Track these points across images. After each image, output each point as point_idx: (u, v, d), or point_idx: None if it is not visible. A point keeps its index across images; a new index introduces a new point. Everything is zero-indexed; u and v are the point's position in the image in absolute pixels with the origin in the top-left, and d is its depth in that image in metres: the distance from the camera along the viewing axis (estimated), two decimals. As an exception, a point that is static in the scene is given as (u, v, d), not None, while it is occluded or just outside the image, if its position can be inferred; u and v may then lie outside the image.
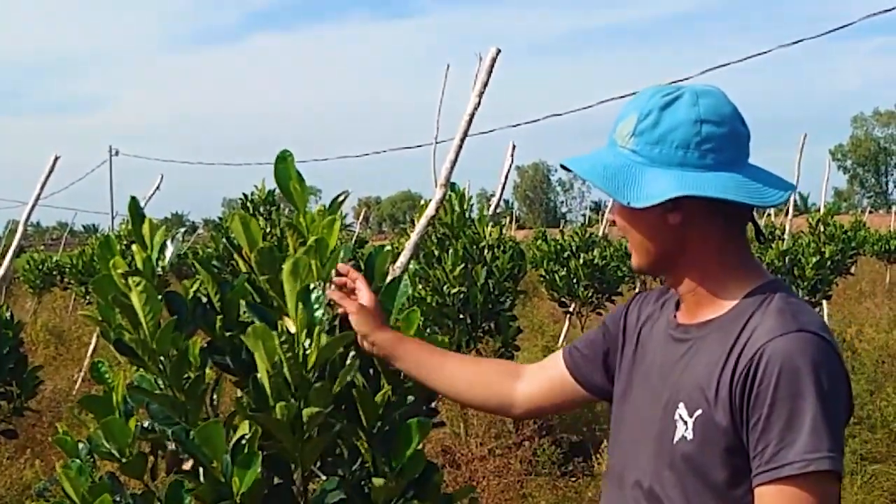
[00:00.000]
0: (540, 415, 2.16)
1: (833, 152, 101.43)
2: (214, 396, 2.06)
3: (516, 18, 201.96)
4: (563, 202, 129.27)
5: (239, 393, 2.02)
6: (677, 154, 1.65)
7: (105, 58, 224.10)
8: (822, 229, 12.14)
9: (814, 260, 10.80)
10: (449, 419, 7.02)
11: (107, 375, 2.05)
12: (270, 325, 1.92)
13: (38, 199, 6.42)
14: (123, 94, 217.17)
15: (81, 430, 2.26)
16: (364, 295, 2.03)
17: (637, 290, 14.11)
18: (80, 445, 2.04)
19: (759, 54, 8.07)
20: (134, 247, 2.02)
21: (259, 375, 1.90)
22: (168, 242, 2.06)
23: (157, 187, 10.85)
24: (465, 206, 6.89)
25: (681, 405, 1.66)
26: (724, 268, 1.71)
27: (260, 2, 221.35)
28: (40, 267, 19.66)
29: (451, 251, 6.67)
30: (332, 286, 2.04)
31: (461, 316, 6.86)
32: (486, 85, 3.03)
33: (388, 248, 2.26)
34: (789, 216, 11.69)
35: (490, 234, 6.96)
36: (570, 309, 11.50)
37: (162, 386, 1.97)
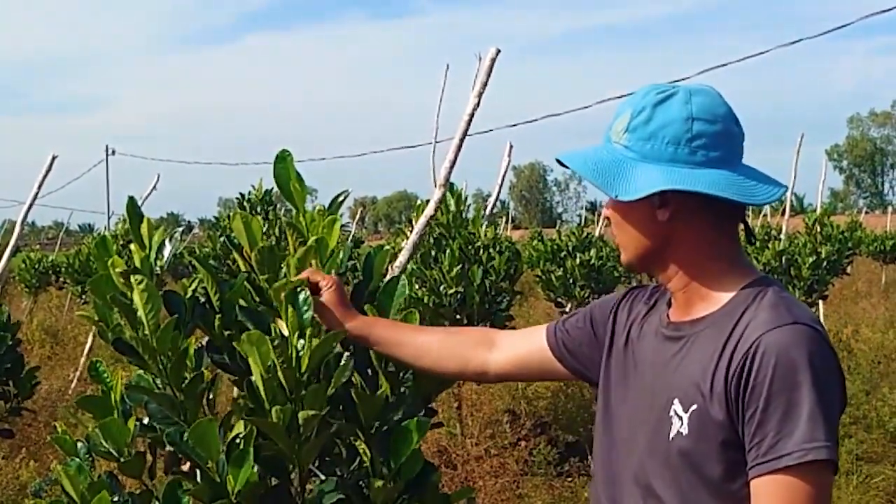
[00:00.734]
0: (509, 381, 2.23)
1: (829, 153, 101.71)
2: (211, 396, 2.06)
3: (514, 19, 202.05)
4: (559, 202, 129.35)
5: (236, 392, 2.02)
6: (668, 150, 1.67)
7: (102, 58, 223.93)
8: (818, 230, 12.13)
9: (810, 260, 10.80)
10: (445, 420, 7.02)
11: (105, 375, 2.05)
12: (264, 327, 1.92)
13: (35, 198, 6.41)
14: (120, 93, 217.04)
15: (77, 430, 2.25)
16: (327, 288, 2.03)
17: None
18: (79, 445, 2.04)
19: (757, 54, 8.09)
20: (132, 246, 2.02)
21: (254, 379, 1.90)
22: (166, 242, 2.06)
23: (154, 187, 10.83)
24: (461, 207, 6.88)
25: (675, 401, 1.67)
26: (714, 265, 1.72)
27: (257, 1, 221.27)
28: (36, 266, 19.60)
29: (447, 251, 6.67)
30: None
31: (458, 316, 6.86)
32: (485, 85, 3.02)
33: (388, 248, 2.26)
34: (786, 216, 11.70)
35: (486, 235, 6.96)
36: (567, 309, 11.48)
37: (160, 385, 1.97)
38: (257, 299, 2.05)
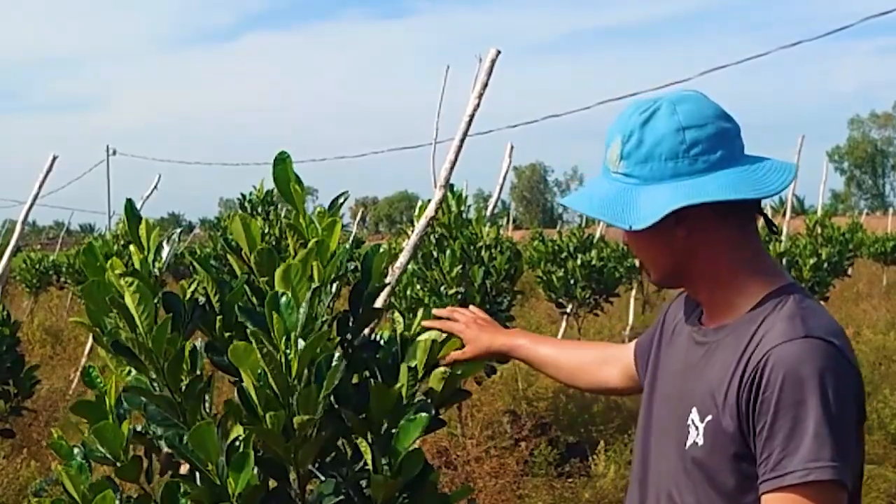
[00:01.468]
0: (625, 394, 2.42)
1: (830, 154, 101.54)
2: (207, 397, 2.06)
3: (514, 19, 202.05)
4: (559, 203, 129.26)
5: (235, 395, 2.02)
6: (668, 166, 1.64)
7: (103, 57, 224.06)
8: (819, 231, 12.16)
9: (811, 262, 10.82)
10: (446, 420, 7.02)
11: (98, 380, 2.05)
12: (263, 327, 1.91)
13: (35, 198, 6.41)
14: (121, 93, 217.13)
15: (76, 433, 2.25)
16: (463, 314, 2.26)
17: (635, 291, 14.13)
18: (76, 450, 2.04)
19: (758, 56, 8.08)
20: (131, 248, 2.02)
21: (245, 385, 1.89)
22: (164, 243, 2.06)
23: (155, 187, 10.85)
24: (462, 207, 6.88)
25: (694, 410, 1.66)
26: (737, 272, 1.70)
27: (258, 1, 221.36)
28: (37, 266, 19.63)
29: (448, 252, 6.67)
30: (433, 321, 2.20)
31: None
32: (485, 86, 3.03)
33: (385, 247, 2.26)
34: (787, 218, 11.70)
35: (487, 235, 6.96)
36: (568, 310, 11.49)
37: (158, 387, 1.97)
38: (257, 301, 2.05)
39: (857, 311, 15.76)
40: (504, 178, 7.50)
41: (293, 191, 2.05)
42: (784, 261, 10.50)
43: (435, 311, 2.27)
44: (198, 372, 1.99)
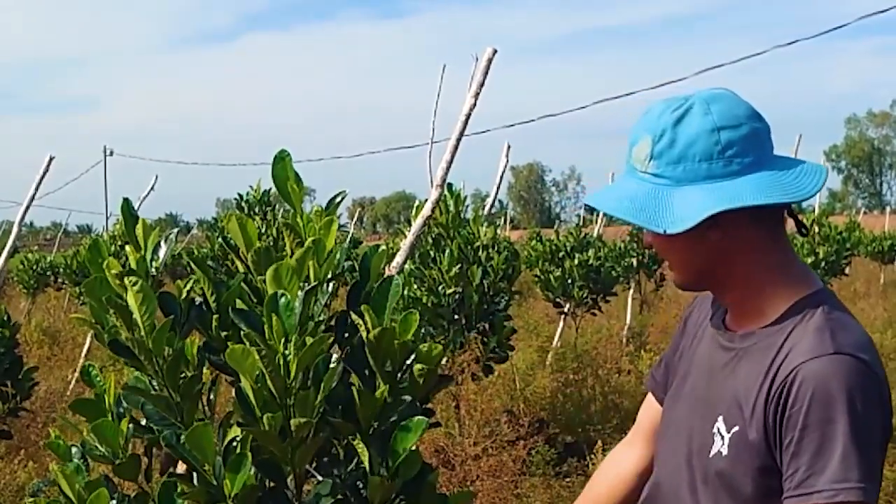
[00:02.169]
0: None
1: (827, 153, 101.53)
2: (212, 397, 2.06)
3: (511, 19, 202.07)
4: (557, 202, 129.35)
5: (233, 395, 2.02)
6: (702, 168, 1.59)
7: (100, 58, 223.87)
8: (816, 230, 12.17)
9: (809, 261, 10.83)
10: (443, 419, 7.02)
11: (98, 379, 2.05)
12: (258, 329, 1.91)
13: (32, 199, 6.41)
14: (119, 94, 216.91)
15: (74, 433, 2.25)
16: None
17: (632, 291, 14.13)
18: (73, 449, 2.04)
19: (754, 55, 8.06)
20: (128, 248, 2.02)
21: (243, 387, 1.89)
22: (161, 243, 2.06)
23: (152, 187, 10.84)
24: (460, 207, 6.89)
25: (720, 419, 1.64)
26: (768, 277, 1.67)
27: (256, 2, 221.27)
28: (34, 267, 19.61)
29: (446, 251, 6.67)
30: None
31: (456, 316, 6.86)
32: (482, 85, 3.03)
33: (384, 248, 2.26)
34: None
35: (485, 235, 6.96)
36: (565, 309, 11.50)
37: (157, 387, 1.97)
38: (254, 301, 2.05)
39: (854, 310, 15.57)
40: (501, 178, 7.50)
41: (291, 189, 2.06)
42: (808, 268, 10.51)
43: None
44: (197, 372, 1.99)
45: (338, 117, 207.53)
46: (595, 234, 12.83)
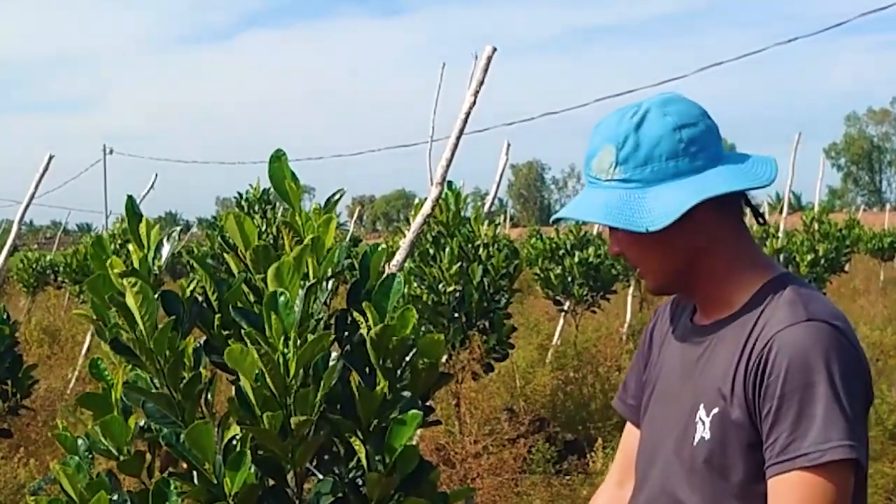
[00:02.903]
0: None
1: (827, 151, 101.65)
2: (209, 396, 2.06)
3: (510, 16, 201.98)
4: (557, 200, 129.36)
5: (233, 393, 2.02)
6: (669, 166, 1.63)
7: (99, 56, 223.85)
8: (816, 227, 12.16)
9: (808, 258, 10.82)
10: (444, 417, 7.02)
11: (106, 373, 2.05)
12: (258, 327, 1.91)
13: (32, 198, 6.41)
14: (118, 92, 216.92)
15: (76, 429, 2.25)
16: None
17: (632, 289, 14.13)
18: (80, 442, 2.04)
19: (754, 52, 8.08)
20: (130, 246, 2.02)
21: (243, 385, 1.89)
22: (164, 241, 2.06)
23: (152, 186, 10.83)
24: (460, 205, 6.88)
25: (700, 406, 1.66)
26: (735, 267, 1.70)
27: (253, 1, 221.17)
28: (34, 266, 19.61)
29: (446, 249, 6.67)
30: None
31: (456, 314, 6.86)
32: (481, 83, 3.03)
33: (384, 246, 2.26)
34: (783, 214, 11.69)
35: (485, 233, 6.96)
36: (565, 307, 11.50)
37: (158, 385, 1.97)
38: (254, 299, 2.05)
39: (854, 308, 15.76)
40: (501, 176, 7.48)
41: (288, 188, 2.06)
42: (781, 257, 10.51)
43: None
44: (197, 371, 1.99)
45: (337, 116, 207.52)
46: (595, 232, 12.82)
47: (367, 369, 2.10)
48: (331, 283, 2.06)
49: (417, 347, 2.05)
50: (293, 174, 2.07)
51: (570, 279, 11.21)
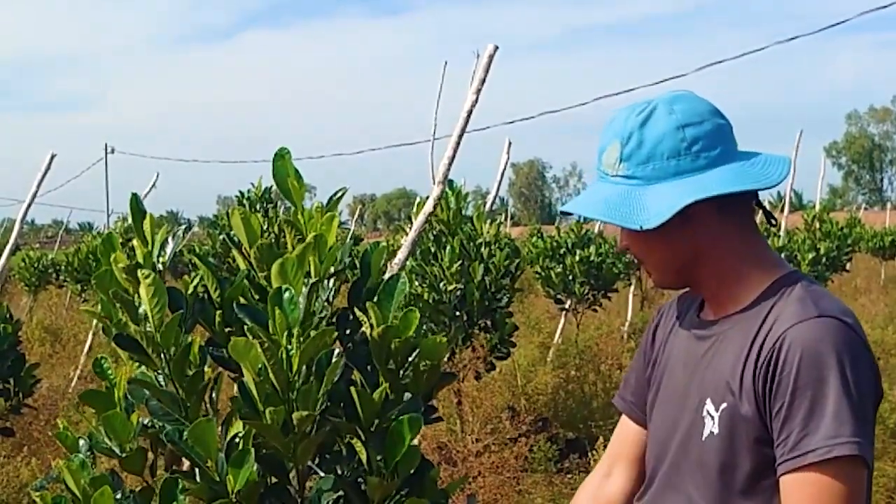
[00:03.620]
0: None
1: (828, 149, 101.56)
2: (214, 394, 2.06)
3: (509, 15, 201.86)
4: (558, 199, 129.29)
5: (235, 391, 2.03)
6: (670, 164, 1.64)
7: (101, 56, 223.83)
8: (817, 226, 12.18)
9: (809, 256, 10.83)
10: (445, 416, 7.03)
11: (109, 371, 2.06)
12: (262, 324, 1.92)
13: (34, 196, 6.42)
14: (120, 91, 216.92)
15: (78, 428, 2.26)
16: None
17: (633, 287, 14.13)
18: (81, 441, 2.05)
19: (754, 51, 8.09)
20: (135, 242, 2.03)
21: (246, 380, 1.90)
22: (169, 239, 2.06)
23: (153, 185, 10.85)
24: (461, 204, 6.89)
25: (708, 401, 1.66)
26: (743, 263, 1.71)
27: (255, 0, 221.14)
28: (36, 265, 19.62)
29: (448, 248, 6.67)
30: None
31: (457, 313, 6.86)
32: (483, 82, 3.03)
33: (384, 244, 2.26)
34: (785, 213, 11.70)
35: (487, 232, 6.96)
36: (566, 306, 11.50)
37: (162, 382, 1.98)
38: (257, 297, 2.06)
39: (855, 306, 15.75)
40: (502, 175, 7.49)
41: (292, 186, 2.06)
42: (782, 256, 10.52)
43: None
44: (201, 368, 1.99)
45: (338, 115, 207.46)
46: (596, 231, 12.82)
47: (368, 368, 2.10)
48: (332, 281, 2.06)
49: (420, 349, 2.05)
50: (297, 172, 2.07)
51: (571, 278, 11.21)
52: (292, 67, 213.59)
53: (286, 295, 1.89)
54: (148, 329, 1.92)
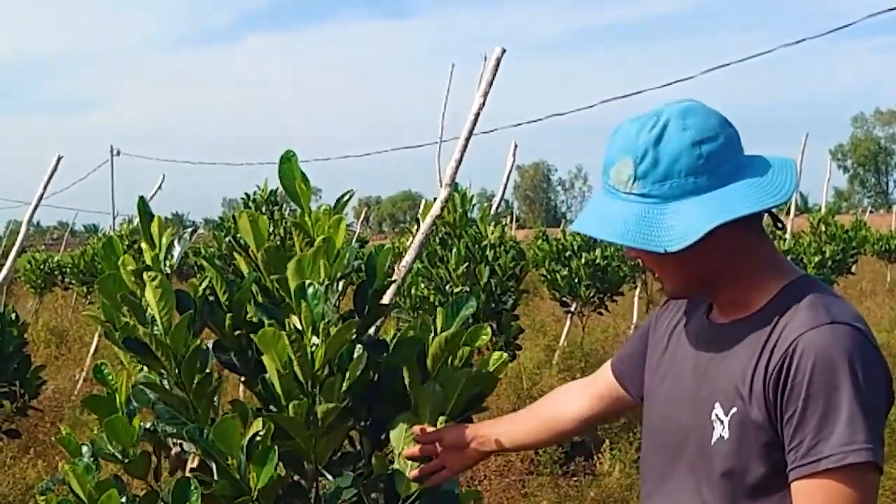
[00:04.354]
0: (592, 424, 2.21)
1: (833, 152, 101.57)
2: (217, 397, 2.06)
3: (516, 18, 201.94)
4: (563, 201, 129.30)
5: (240, 393, 2.02)
6: (688, 182, 1.61)
7: (107, 58, 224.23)
8: (823, 229, 12.16)
9: (815, 259, 10.81)
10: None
11: (109, 377, 2.05)
12: (279, 322, 1.93)
13: (40, 199, 6.41)
14: (125, 93, 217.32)
15: (83, 431, 2.26)
16: (443, 439, 2.08)
17: (639, 290, 14.12)
18: (84, 448, 2.04)
19: (761, 54, 8.05)
20: (142, 244, 2.03)
21: (269, 375, 1.90)
22: (176, 242, 2.06)
23: (159, 187, 10.85)
24: (467, 206, 6.88)
25: (717, 405, 1.66)
26: (756, 271, 1.70)
27: (260, 1, 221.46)
28: (41, 267, 19.67)
29: (454, 250, 6.67)
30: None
31: (463, 315, 6.85)
32: (490, 85, 3.03)
33: (389, 246, 2.26)
34: (790, 216, 11.69)
35: (493, 234, 6.96)
36: (572, 308, 11.48)
37: (168, 385, 1.98)
38: (264, 300, 2.06)
39: (861, 309, 15.63)
40: (508, 177, 7.48)
41: (299, 189, 2.06)
42: (788, 259, 10.51)
43: (415, 437, 2.08)
44: (210, 370, 1.99)
45: (344, 117, 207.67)
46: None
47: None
48: (341, 283, 2.06)
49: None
50: (303, 175, 2.07)
51: (576, 280, 11.19)
52: (298, 69, 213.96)
53: (310, 290, 1.90)
54: (156, 331, 1.92)
